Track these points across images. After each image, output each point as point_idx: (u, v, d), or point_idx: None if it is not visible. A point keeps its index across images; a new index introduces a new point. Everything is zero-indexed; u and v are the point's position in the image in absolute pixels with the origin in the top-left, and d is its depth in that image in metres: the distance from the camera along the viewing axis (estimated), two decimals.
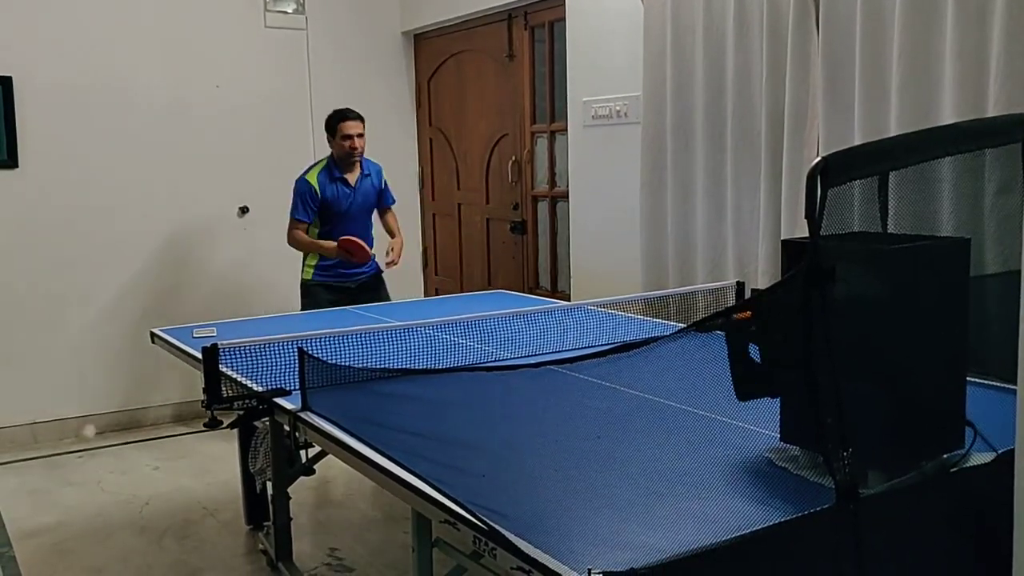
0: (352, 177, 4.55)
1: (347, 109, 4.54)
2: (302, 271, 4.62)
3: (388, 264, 4.61)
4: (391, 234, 4.79)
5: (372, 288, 4.61)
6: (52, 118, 5.00)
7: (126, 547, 3.71)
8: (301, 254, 4.63)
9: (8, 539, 3.81)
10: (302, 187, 4.47)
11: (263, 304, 5.24)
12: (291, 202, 4.51)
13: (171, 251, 5.36)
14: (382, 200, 4.75)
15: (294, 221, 4.49)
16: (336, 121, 4.50)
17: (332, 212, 4.49)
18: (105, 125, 5.12)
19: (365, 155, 4.61)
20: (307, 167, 4.58)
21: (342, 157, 4.51)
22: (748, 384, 1.86)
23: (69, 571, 3.51)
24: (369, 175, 4.63)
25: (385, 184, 4.76)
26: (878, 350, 1.69)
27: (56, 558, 3.63)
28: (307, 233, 4.54)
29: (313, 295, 4.52)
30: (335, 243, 4.44)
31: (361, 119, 4.54)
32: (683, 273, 3.93)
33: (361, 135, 4.51)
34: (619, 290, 3.97)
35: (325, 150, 4.72)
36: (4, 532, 3.88)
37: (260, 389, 2.65)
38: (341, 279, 4.55)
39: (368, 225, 4.66)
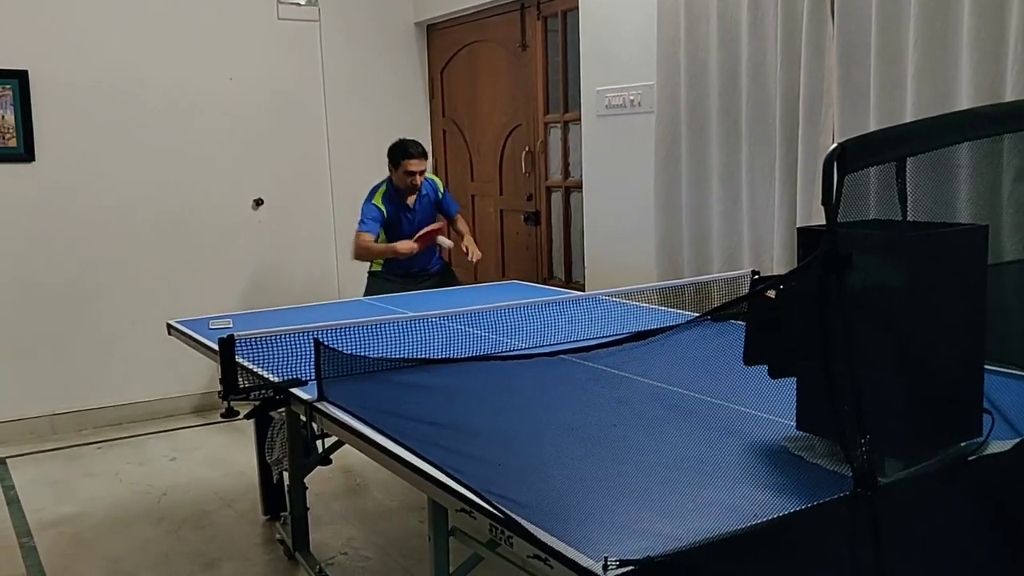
0: (411, 199, 4.74)
1: (411, 143, 4.67)
2: (371, 264, 4.77)
3: (474, 258, 4.81)
4: (460, 235, 4.99)
5: (441, 277, 4.82)
6: (68, 111, 5.02)
7: (144, 537, 3.74)
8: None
9: (28, 529, 3.84)
10: (371, 211, 4.64)
11: (278, 295, 5.26)
12: (360, 220, 4.65)
13: (186, 243, 5.38)
14: (446, 211, 4.94)
15: (360, 232, 4.63)
16: (400, 156, 4.64)
17: (396, 233, 4.67)
18: (120, 118, 5.14)
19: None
20: (371, 191, 4.70)
21: (403, 189, 4.67)
22: (756, 352, 1.87)
23: (88, 561, 3.54)
24: (426, 194, 4.79)
25: (444, 194, 4.94)
26: (895, 338, 1.68)
27: (75, 548, 3.66)
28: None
29: (380, 285, 4.66)
30: (409, 242, 4.59)
31: (425, 156, 4.71)
32: (698, 262, 3.92)
33: (423, 172, 4.69)
34: (634, 280, 3.96)
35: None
36: (24, 522, 3.92)
37: (276, 380, 2.66)
38: (411, 272, 4.73)
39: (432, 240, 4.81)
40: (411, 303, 3.94)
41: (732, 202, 3.76)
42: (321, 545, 3.54)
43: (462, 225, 5.01)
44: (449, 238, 4.85)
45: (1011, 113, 2.06)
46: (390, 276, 4.71)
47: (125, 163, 5.18)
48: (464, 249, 4.82)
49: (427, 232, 4.66)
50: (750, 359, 1.90)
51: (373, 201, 4.69)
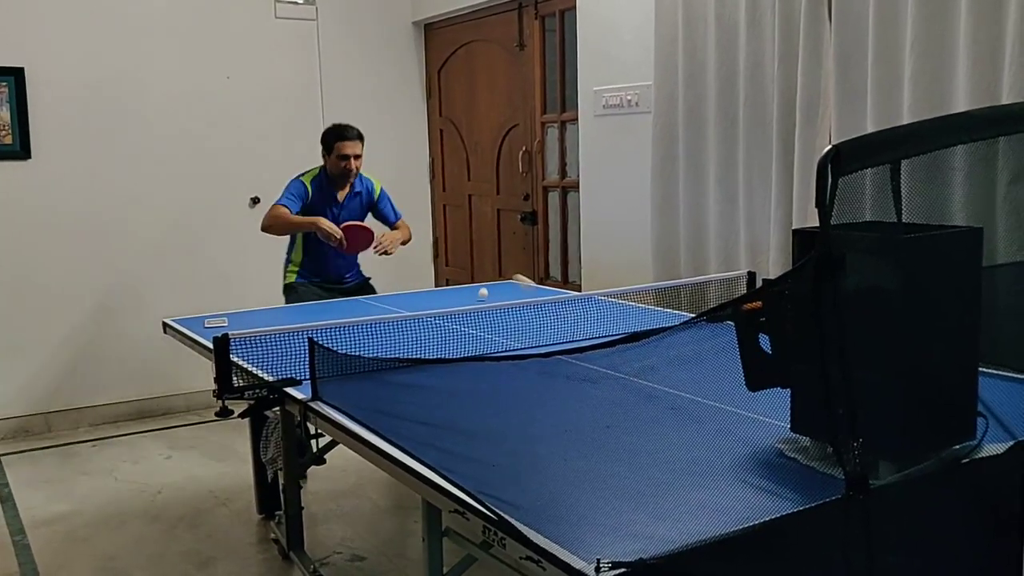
0: (341, 194, 4.33)
1: (346, 127, 4.27)
2: (284, 275, 4.40)
3: (378, 251, 4.29)
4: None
5: (358, 292, 4.41)
6: (64, 109, 5.01)
7: (139, 535, 3.73)
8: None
9: (22, 527, 3.84)
10: (296, 186, 4.25)
11: (274, 294, 5.25)
12: (280, 194, 4.24)
13: (183, 241, 5.38)
14: (386, 217, 4.49)
15: (276, 206, 4.19)
16: (333, 139, 4.25)
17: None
18: (117, 116, 5.13)
19: (361, 171, 4.38)
20: (302, 171, 4.34)
21: (336, 175, 4.28)
22: (759, 374, 1.86)
23: (82, 559, 3.54)
24: (359, 193, 4.38)
25: (384, 199, 4.48)
26: (890, 340, 1.67)
27: (70, 546, 3.66)
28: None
29: (300, 295, 4.31)
30: (332, 225, 4.11)
31: (360, 139, 4.28)
32: (695, 263, 3.92)
33: (358, 156, 4.26)
34: (630, 280, 3.96)
35: None
36: (18, 520, 3.91)
37: (271, 379, 2.66)
38: (327, 283, 4.38)
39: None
40: (406, 303, 3.93)
41: (729, 203, 3.76)
42: (315, 545, 3.54)
43: (401, 226, 4.50)
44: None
45: (1007, 116, 2.06)
46: (307, 286, 4.32)
47: (121, 161, 5.17)
48: (380, 237, 4.28)
49: (356, 227, 4.17)
50: (754, 384, 1.88)
51: (301, 178, 4.27)
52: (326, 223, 4.12)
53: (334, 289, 4.38)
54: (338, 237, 4.10)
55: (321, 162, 4.35)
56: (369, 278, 4.53)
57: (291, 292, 4.38)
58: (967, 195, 2.72)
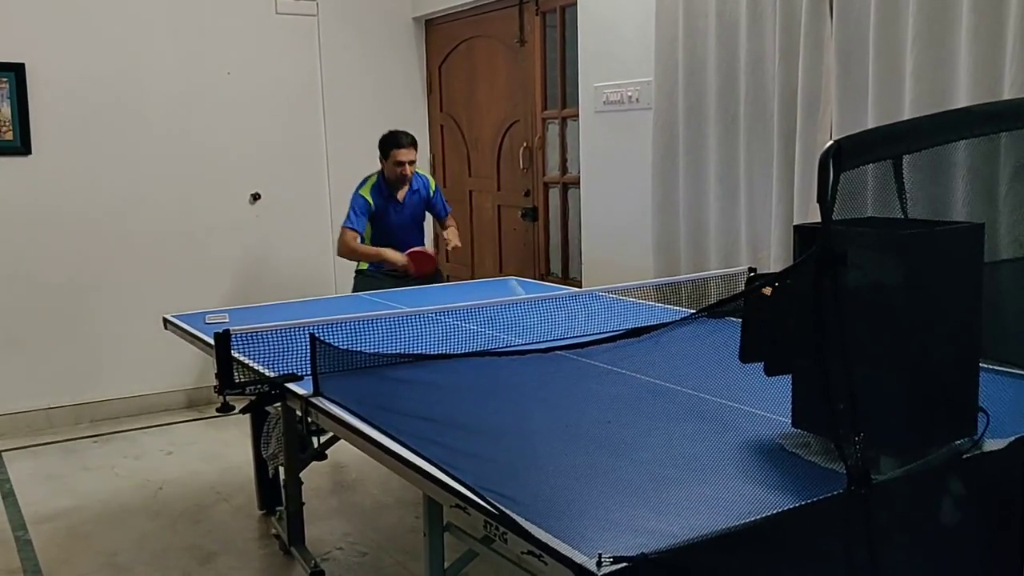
0: (400, 193, 4.69)
1: (401, 134, 4.64)
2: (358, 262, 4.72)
3: (453, 248, 4.78)
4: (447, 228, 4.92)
5: (429, 280, 4.70)
6: (65, 105, 5.01)
7: (141, 531, 3.74)
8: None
9: (24, 523, 3.84)
10: (358, 202, 4.61)
11: (275, 290, 5.26)
12: (345, 213, 4.62)
13: (183, 237, 5.38)
14: (436, 211, 4.90)
15: (346, 229, 4.58)
16: (390, 147, 4.63)
17: (382, 224, 4.63)
18: (117, 112, 5.13)
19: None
20: (360, 182, 4.66)
21: (392, 180, 4.64)
22: (752, 349, 1.87)
23: (84, 555, 3.54)
24: (417, 190, 4.75)
25: (438, 195, 4.89)
26: (891, 336, 1.68)
27: (71, 542, 3.66)
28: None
29: (368, 282, 4.60)
30: (400, 253, 4.53)
31: (414, 145, 4.66)
32: (695, 259, 3.92)
33: (413, 162, 4.65)
34: (631, 276, 3.96)
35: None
36: (20, 516, 3.92)
37: (272, 375, 2.66)
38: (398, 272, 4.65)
39: (419, 235, 4.79)
40: (407, 299, 3.93)
41: (730, 199, 3.76)
42: (317, 540, 3.54)
43: (451, 222, 4.95)
44: (444, 235, 4.85)
45: (1008, 111, 2.06)
46: (378, 275, 4.63)
47: (122, 157, 5.16)
48: (446, 237, 4.81)
49: (421, 253, 4.60)
50: (746, 356, 1.90)
51: (361, 192, 4.64)
52: (390, 255, 4.53)
53: (407, 277, 4.60)
54: (403, 263, 4.52)
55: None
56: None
57: (361, 278, 4.68)
58: (968, 191, 2.72)
